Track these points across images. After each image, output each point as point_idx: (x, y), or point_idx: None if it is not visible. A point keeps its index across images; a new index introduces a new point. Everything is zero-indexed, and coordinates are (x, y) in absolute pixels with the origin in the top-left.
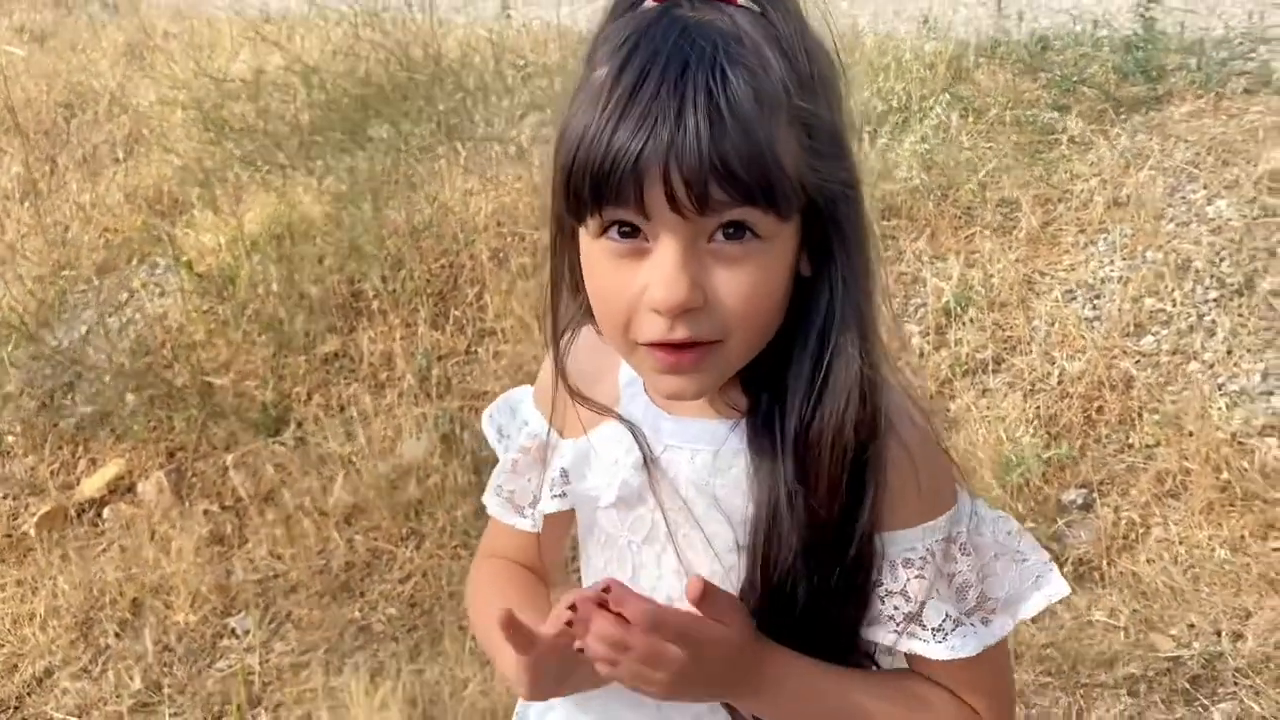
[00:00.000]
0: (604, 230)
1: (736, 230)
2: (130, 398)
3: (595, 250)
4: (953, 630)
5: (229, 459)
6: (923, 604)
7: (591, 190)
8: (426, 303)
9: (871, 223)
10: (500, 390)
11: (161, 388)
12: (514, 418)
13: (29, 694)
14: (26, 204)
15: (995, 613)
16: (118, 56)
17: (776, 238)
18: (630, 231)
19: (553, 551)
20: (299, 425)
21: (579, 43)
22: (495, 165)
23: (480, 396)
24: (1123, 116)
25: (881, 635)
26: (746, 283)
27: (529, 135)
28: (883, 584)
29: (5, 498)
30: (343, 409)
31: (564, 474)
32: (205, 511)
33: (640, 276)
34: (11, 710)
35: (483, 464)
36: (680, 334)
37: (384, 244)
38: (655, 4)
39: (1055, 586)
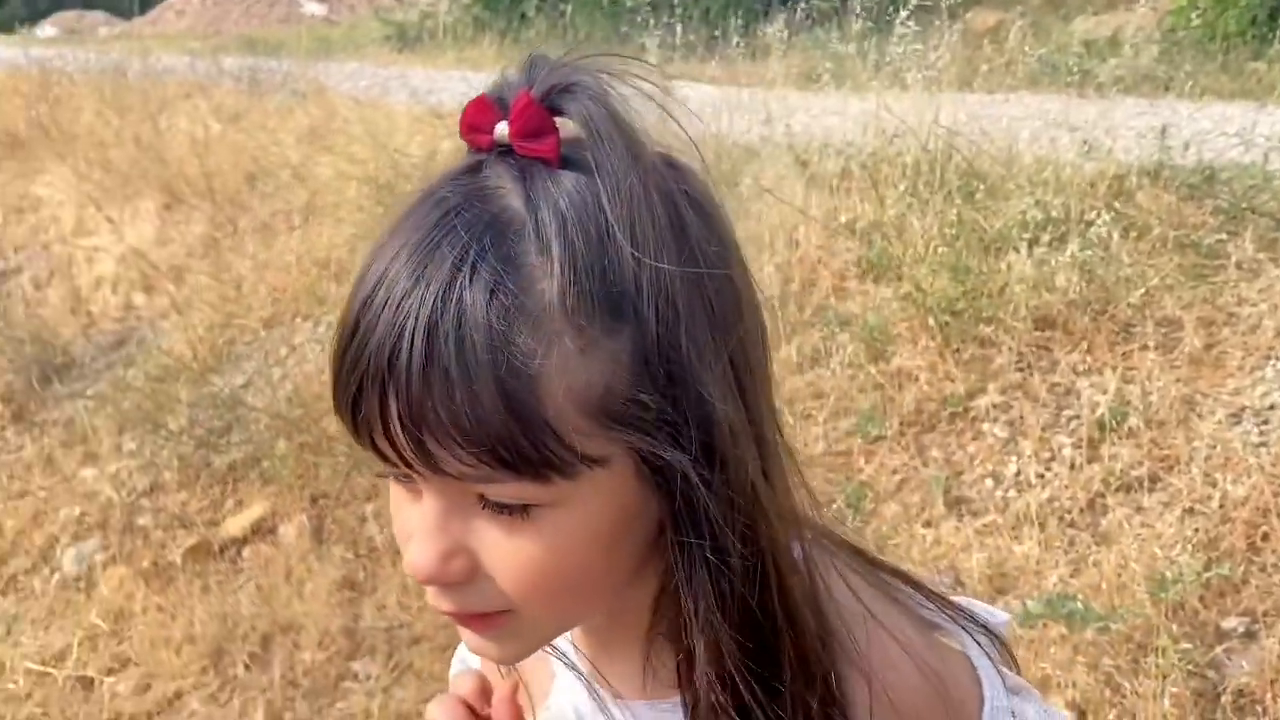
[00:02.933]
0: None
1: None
2: (282, 443)
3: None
4: None
5: (369, 509)
6: None
7: (336, 411)
8: None
9: (751, 466)
10: None
11: (312, 436)
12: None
13: (158, 713)
14: (207, 260)
15: None
16: (301, 136)
17: (573, 497)
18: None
19: None
20: None
21: (740, 150)
22: None
23: None
24: None
25: None
26: (527, 557)
27: None
28: None
29: (156, 528)
30: None
31: None
32: (341, 557)
33: (413, 522)
34: None
35: None
36: (445, 605)
37: None
38: (474, 152)
39: None
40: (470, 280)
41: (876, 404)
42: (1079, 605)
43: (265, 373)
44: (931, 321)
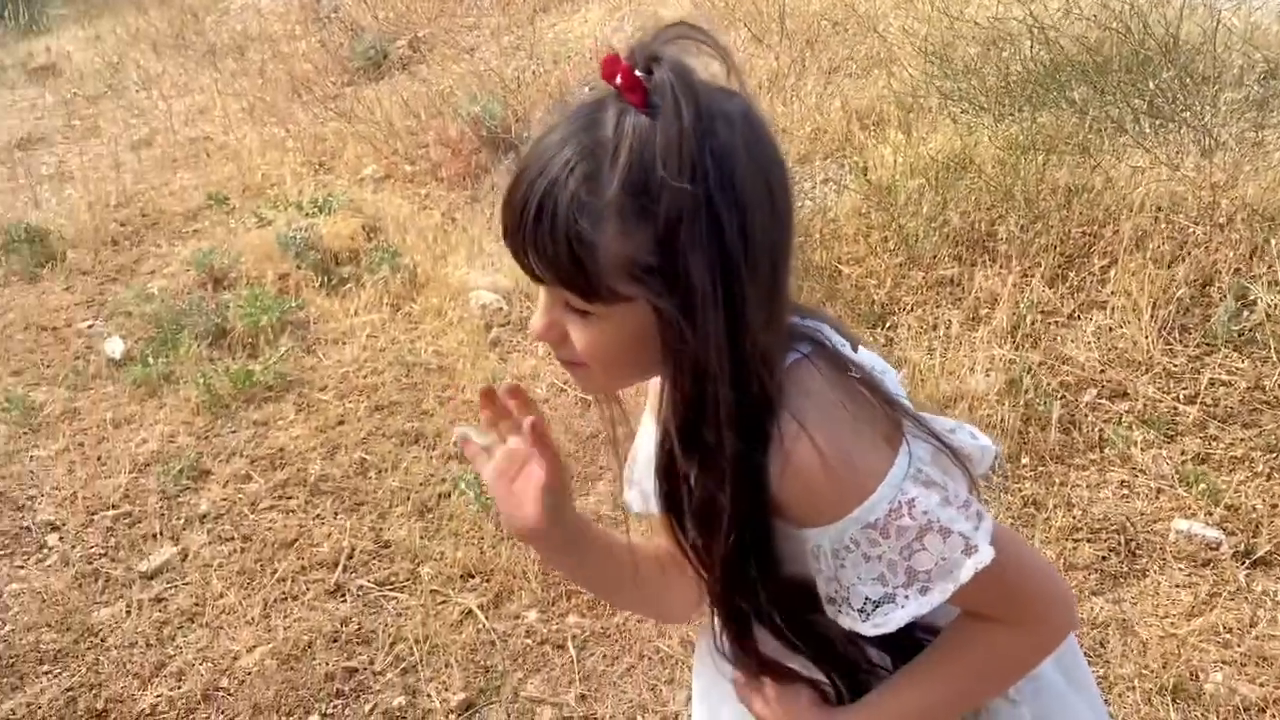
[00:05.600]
0: None
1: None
2: None
3: None
4: (874, 610)
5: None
6: (849, 588)
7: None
8: (1050, 260)
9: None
10: (1084, 359)
11: (801, 262)
12: None
13: None
14: (770, 94)
15: (934, 580)
16: None
17: (609, 313)
18: None
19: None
20: (894, 329)
21: None
22: (1180, 153)
23: (1065, 361)
24: None
25: (831, 615)
26: (584, 340)
27: (1234, 132)
28: (821, 571)
29: None
30: (935, 328)
31: (631, 468)
32: None
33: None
34: None
35: (1033, 416)
36: (557, 354)
37: (1036, 197)
38: (607, 86)
39: (982, 554)
40: (567, 179)
41: None
42: None
43: None
44: None
